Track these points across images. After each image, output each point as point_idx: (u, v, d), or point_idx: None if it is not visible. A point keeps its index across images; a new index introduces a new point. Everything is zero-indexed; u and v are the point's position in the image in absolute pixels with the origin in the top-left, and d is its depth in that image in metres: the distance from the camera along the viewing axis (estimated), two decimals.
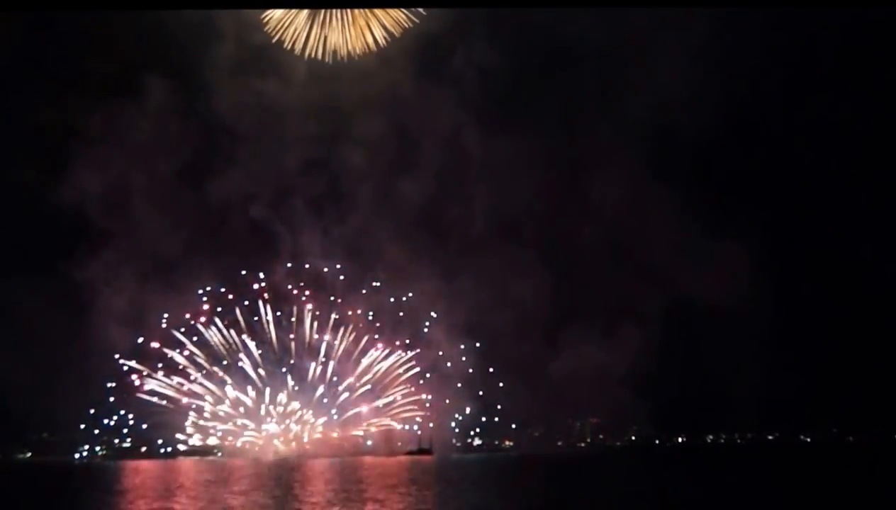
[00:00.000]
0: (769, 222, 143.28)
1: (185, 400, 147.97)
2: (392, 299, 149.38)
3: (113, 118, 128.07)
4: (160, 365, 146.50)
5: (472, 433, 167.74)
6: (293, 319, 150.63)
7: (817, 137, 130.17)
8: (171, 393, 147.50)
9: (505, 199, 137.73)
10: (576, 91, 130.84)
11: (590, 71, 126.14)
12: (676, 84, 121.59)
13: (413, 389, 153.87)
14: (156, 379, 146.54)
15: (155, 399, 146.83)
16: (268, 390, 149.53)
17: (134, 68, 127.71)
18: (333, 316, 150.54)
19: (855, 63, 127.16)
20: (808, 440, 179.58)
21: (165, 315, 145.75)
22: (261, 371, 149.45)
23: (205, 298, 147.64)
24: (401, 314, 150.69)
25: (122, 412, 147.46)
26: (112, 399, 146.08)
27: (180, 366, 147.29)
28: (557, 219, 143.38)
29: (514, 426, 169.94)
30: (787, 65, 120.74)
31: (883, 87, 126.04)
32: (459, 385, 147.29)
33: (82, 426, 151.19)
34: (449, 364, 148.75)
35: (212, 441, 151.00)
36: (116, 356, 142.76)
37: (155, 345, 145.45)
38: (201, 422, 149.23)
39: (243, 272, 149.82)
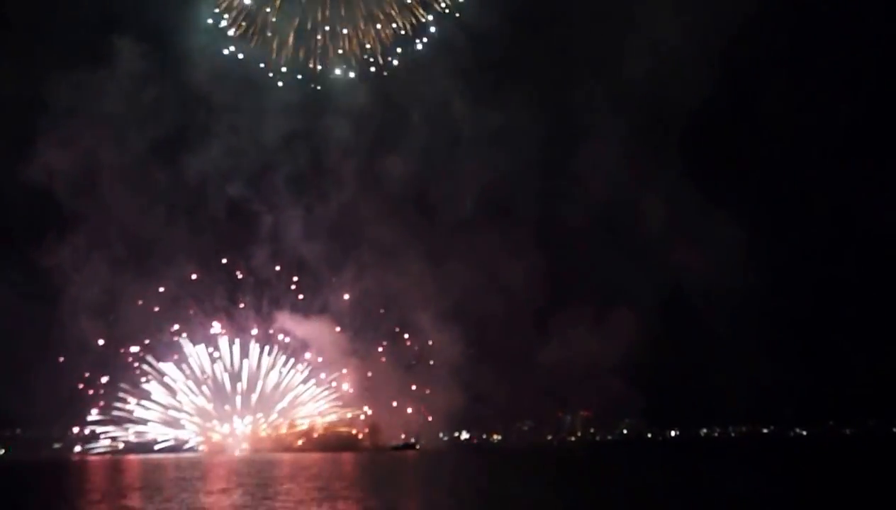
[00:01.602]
0: (766, 200, 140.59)
1: (160, 395, 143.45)
2: (377, 283, 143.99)
3: (81, 87, 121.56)
4: (134, 359, 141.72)
5: (459, 426, 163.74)
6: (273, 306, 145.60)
7: (819, 107, 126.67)
8: (146, 388, 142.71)
9: (495, 174, 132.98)
10: (570, 56, 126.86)
11: (584, 34, 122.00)
12: (672, 47, 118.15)
13: (398, 381, 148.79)
14: (130, 374, 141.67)
15: (130, 395, 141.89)
16: (247, 382, 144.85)
17: (103, 30, 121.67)
18: (316, 301, 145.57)
19: (857, 27, 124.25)
20: (804, 433, 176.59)
21: (138, 304, 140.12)
22: (239, 362, 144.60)
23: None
24: (387, 299, 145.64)
25: (97, 408, 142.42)
26: (86, 394, 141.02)
27: (155, 360, 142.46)
28: (549, 195, 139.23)
29: (502, 419, 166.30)
30: (788, 29, 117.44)
31: (888, 52, 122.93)
32: (446, 375, 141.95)
33: (57, 422, 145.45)
34: (436, 353, 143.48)
35: (189, 436, 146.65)
36: (88, 351, 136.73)
37: (128, 337, 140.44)
38: (178, 418, 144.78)
39: (220, 255, 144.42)
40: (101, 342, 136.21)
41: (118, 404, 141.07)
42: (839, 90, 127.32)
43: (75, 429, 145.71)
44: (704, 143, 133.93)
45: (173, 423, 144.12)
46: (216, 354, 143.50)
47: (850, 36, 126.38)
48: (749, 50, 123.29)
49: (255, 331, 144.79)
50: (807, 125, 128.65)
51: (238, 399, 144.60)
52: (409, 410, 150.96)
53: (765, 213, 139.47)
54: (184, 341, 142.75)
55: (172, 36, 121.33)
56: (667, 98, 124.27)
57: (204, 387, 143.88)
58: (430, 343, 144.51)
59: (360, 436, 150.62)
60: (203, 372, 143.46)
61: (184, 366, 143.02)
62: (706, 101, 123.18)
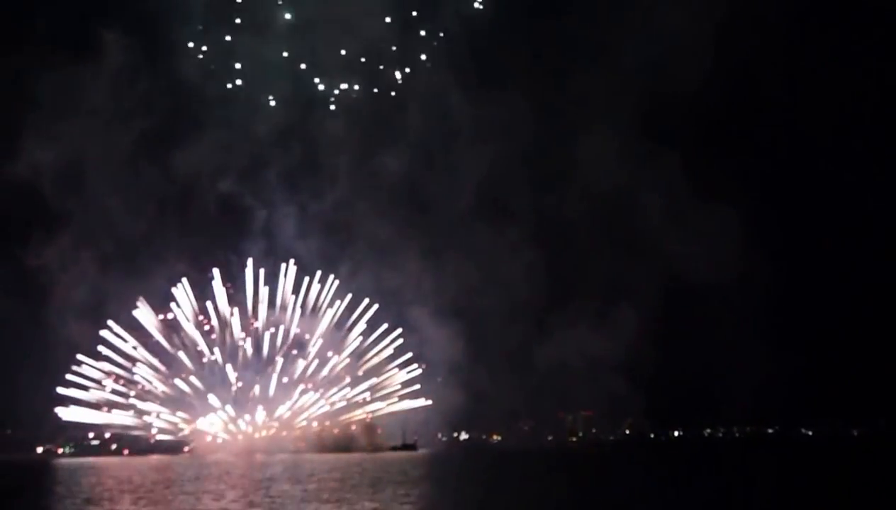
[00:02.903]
0: (771, 194, 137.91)
1: (151, 394, 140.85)
2: (373, 280, 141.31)
3: (68, 82, 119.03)
4: (124, 357, 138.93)
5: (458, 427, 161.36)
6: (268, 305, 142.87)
7: (819, 97, 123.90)
8: (135, 388, 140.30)
9: (493, 168, 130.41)
10: (567, 47, 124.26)
11: (582, 24, 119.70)
12: (672, 36, 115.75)
13: (396, 380, 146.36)
14: (120, 373, 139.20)
15: (119, 395, 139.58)
16: (240, 382, 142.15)
17: (90, 23, 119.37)
18: (311, 300, 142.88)
19: (861, 14, 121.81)
20: (810, 433, 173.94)
21: (128, 303, 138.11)
22: (233, 362, 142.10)
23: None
24: (383, 297, 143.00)
25: (86, 407, 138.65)
26: (75, 394, 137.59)
27: (144, 359, 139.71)
28: (547, 189, 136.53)
29: (502, 419, 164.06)
30: (790, 16, 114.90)
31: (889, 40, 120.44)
32: (445, 374, 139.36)
33: (45, 423, 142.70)
34: (434, 351, 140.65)
35: (182, 436, 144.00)
36: (77, 351, 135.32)
37: (117, 335, 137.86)
38: (168, 418, 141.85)
39: (212, 253, 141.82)
40: (88, 343, 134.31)
41: (107, 405, 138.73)
42: (840, 80, 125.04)
43: (61, 430, 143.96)
44: (705, 134, 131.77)
45: (163, 425, 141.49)
46: (207, 352, 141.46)
47: (853, 23, 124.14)
48: (749, 39, 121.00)
49: (248, 332, 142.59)
50: (807, 117, 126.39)
51: (231, 397, 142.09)
52: (408, 410, 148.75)
53: (771, 207, 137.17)
54: (173, 334, 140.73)
55: (162, 28, 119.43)
56: (666, 89, 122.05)
57: (196, 385, 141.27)
58: (428, 341, 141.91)
59: (359, 436, 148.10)
60: (194, 368, 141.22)
61: (174, 362, 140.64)
62: (706, 91, 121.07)
